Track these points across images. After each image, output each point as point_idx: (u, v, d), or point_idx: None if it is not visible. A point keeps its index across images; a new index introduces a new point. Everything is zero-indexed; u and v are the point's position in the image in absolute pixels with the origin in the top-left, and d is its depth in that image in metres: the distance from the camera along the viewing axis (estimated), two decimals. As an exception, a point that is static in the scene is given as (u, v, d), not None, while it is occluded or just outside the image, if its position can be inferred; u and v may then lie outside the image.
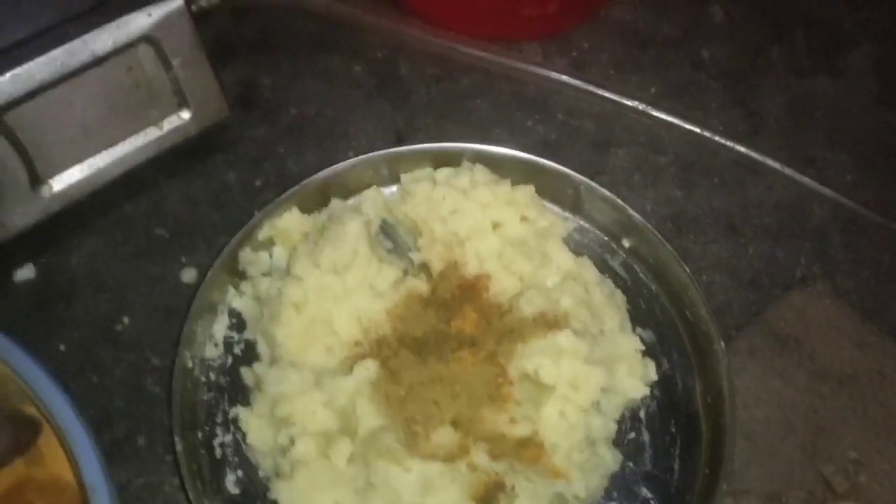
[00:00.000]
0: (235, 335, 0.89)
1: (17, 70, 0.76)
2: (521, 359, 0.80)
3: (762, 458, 0.86)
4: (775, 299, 0.96)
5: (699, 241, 1.00)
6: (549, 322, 0.82)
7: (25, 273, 0.91)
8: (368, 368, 0.80)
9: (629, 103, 1.09)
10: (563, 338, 0.80)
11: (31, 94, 0.78)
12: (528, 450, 0.77)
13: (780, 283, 0.97)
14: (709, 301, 0.90)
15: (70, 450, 0.60)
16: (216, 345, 0.88)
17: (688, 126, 1.08)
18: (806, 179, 1.04)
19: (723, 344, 0.86)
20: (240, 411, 0.81)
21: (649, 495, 0.84)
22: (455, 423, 0.78)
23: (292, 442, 0.76)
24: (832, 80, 1.15)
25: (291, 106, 1.05)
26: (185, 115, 0.89)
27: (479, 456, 0.75)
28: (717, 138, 1.07)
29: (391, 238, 0.94)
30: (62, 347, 0.87)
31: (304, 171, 0.95)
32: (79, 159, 0.85)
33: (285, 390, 0.78)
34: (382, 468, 0.72)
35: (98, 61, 0.80)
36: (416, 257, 0.91)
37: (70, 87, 0.80)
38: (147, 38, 0.82)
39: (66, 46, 0.78)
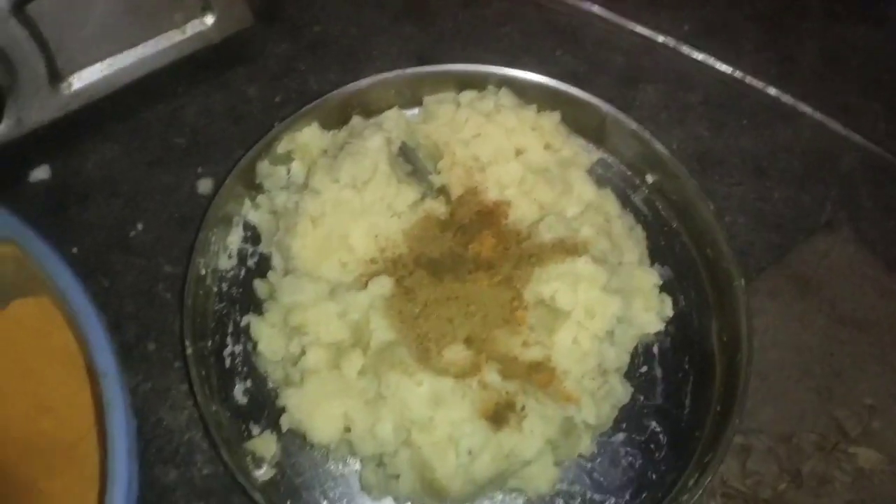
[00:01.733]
0: (250, 247, 0.88)
1: (41, -41, 0.75)
2: (538, 283, 0.79)
3: (775, 400, 0.85)
4: (798, 243, 0.94)
5: (724, 182, 0.98)
6: (568, 248, 0.81)
7: (40, 174, 0.90)
8: (383, 285, 0.79)
9: (661, 39, 1.06)
10: (582, 264, 0.79)
11: (55, -15, 0.77)
12: (539, 373, 0.76)
13: (805, 228, 0.96)
14: (732, 245, 0.88)
15: (84, 335, 0.59)
16: (230, 256, 0.87)
17: (719, 66, 1.05)
18: (837, 125, 1.02)
19: (743, 282, 0.84)
20: (251, 319, 0.80)
21: (658, 429, 0.83)
22: (468, 342, 0.77)
23: (304, 351, 0.76)
24: (870, 28, 1.12)
25: (315, 23, 1.03)
26: (209, 20, 0.88)
27: (491, 375, 0.74)
28: (748, 80, 1.04)
29: (410, 161, 0.92)
30: (74, 250, 0.86)
31: (325, 90, 0.93)
32: (99, 58, 0.84)
33: (299, 299, 0.77)
34: (393, 380, 0.72)
35: (122, -44, 0.79)
36: (435, 180, 0.89)
37: (93, -19, 0.79)
38: (174, -64, 0.80)
39: (91, -62, 0.77)
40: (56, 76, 0.81)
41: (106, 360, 0.58)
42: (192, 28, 0.87)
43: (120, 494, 0.54)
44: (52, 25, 0.79)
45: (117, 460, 0.55)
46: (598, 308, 0.78)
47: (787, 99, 1.04)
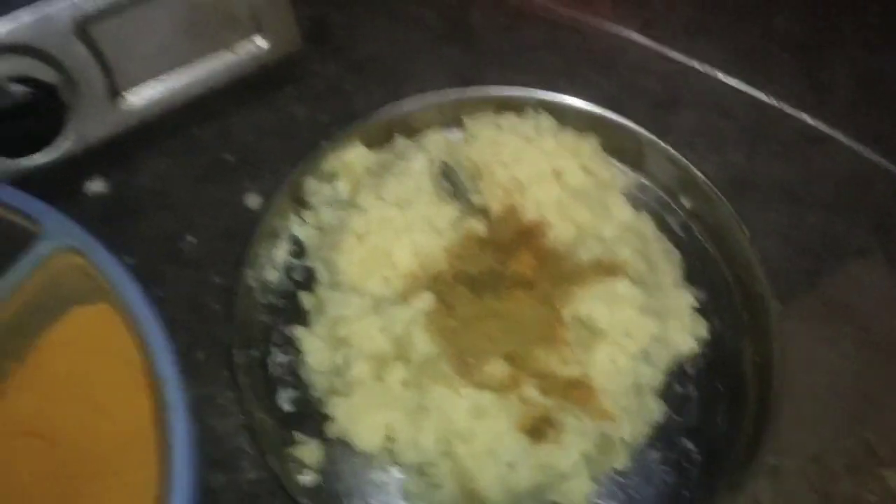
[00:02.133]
0: (295, 261, 0.91)
1: (107, -19, 0.78)
2: (576, 302, 0.81)
3: (806, 422, 0.87)
4: (831, 269, 0.96)
5: (757, 207, 1.00)
6: (606, 269, 0.83)
7: (96, 186, 0.93)
8: (424, 300, 0.81)
9: (697, 66, 1.09)
10: (620, 284, 0.81)
11: (116, 8, 0.80)
12: (577, 390, 0.78)
13: (837, 254, 0.97)
14: (764, 265, 0.90)
15: (145, 341, 0.62)
16: (276, 269, 0.90)
17: (754, 93, 1.07)
18: (870, 153, 1.04)
19: (777, 305, 0.86)
20: (299, 331, 0.83)
21: (692, 447, 0.84)
22: (507, 358, 0.79)
23: (349, 362, 0.78)
24: (905, 57, 1.14)
25: (361, 45, 1.06)
26: (260, 42, 0.91)
27: (530, 390, 0.76)
28: (782, 107, 1.06)
29: (451, 180, 0.95)
30: (128, 260, 0.89)
31: (369, 109, 0.97)
32: (156, 77, 0.87)
33: (345, 313, 0.80)
34: (436, 392, 0.74)
35: (183, -20, 0.82)
36: (475, 200, 0.92)
37: (153, 3, 0.82)
38: (231, -39, 0.84)
39: (154, -37, 0.80)
40: (115, 93, 0.85)
41: (167, 366, 0.61)
42: (245, 50, 0.91)
43: (181, 496, 0.57)
44: (113, 45, 0.82)
45: (178, 463, 0.57)
46: (635, 328, 0.80)
47: (821, 126, 1.05)
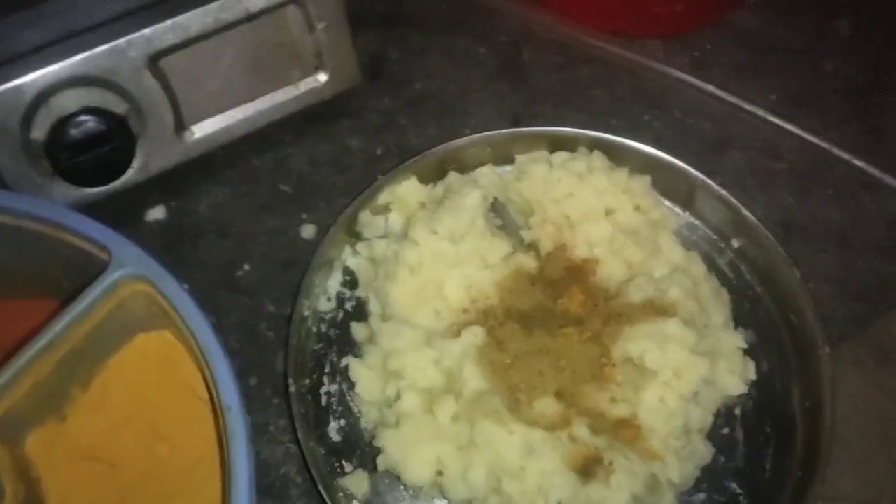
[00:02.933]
0: (348, 292, 0.92)
1: (177, 18, 0.81)
2: (627, 341, 0.81)
3: (855, 468, 0.86)
4: (882, 313, 0.95)
5: (808, 250, 1.00)
6: (657, 309, 0.84)
7: (157, 214, 0.96)
8: (476, 334, 0.82)
9: (748, 107, 1.09)
10: (672, 325, 0.81)
11: (186, 43, 0.83)
12: (626, 430, 0.79)
13: (889, 298, 0.97)
14: (817, 312, 0.89)
15: (210, 368, 0.63)
16: (329, 299, 0.92)
17: (805, 135, 1.07)
18: (923, 199, 1.03)
19: (828, 350, 0.85)
20: (351, 362, 0.84)
21: (739, 490, 0.84)
22: (557, 395, 0.79)
23: (399, 395, 0.79)
24: (957, 103, 1.13)
25: (416, 81, 1.08)
26: (322, 77, 0.93)
27: (580, 429, 0.77)
28: (834, 150, 1.06)
29: (501, 216, 0.96)
30: (186, 287, 0.91)
31: (422, 144, 0.99)
32: (221, 110, 0.90)
33: (398, 345, 0.81)
34: (487, 428, 0.75)
35: (249, 18, 0.85)
36: (526, 236, 0.93)
37: (221, 40, 0.85)
38: (296, 1, 0.86)
39: (222, 1, 0.83)
40: (181, 125, 0.88)
41: (230, 393, 0.62)
42: (306, 85, 0.93)
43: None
44: (182, 79, 0.85)
45: (240, 489, 0.58)
46: (686, 370, 0.80)
47: (872, 170, 1.05)
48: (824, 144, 1.07)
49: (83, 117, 0.79)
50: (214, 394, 0.63)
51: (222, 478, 0.64)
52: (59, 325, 0.65)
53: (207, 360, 0.64)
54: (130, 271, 0.68)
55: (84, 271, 0.69)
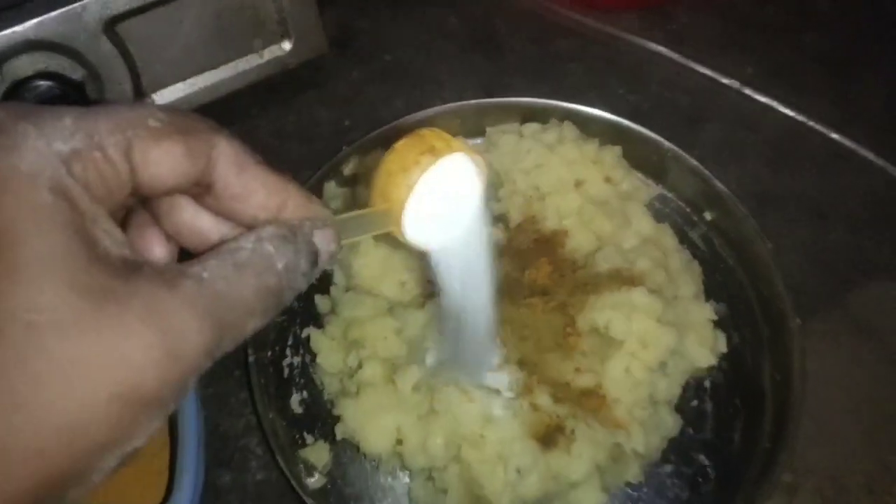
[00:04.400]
0: (312, 264, 0.91)
1: (135, -19, 0.79)
2: (592, 311, 0.80)
3: (825, 441, 0.85)
4: (855, 286, 0.94)
5: (782, 222, 0.99)
6: (624, 279, 0.82)
7: (120, 185, 0.94)
8: (440, 305, 0.81)
9: (725, 81, 1.08)
10: (638, 294, 0.80)
11: (144, 8, 0.81)
12: (590, 399, 0.78)
13: (861, 271, 0.95)
14: (786, 281, 0.88)
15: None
16: (294, 271, 0.90)
17: (782, 109, 1.06)
18: (898, 172, 1.02)
19: (798, 321, 0.84)
20: (312, 332, 0.83)
21: (707, 462, 0.83)
22: (520, 364, 0.78)
23: (360, 364, 0.78)
24: (936, 77, 1.12)
25: (385, 52, 1.07)
26: (286, 46, 0.92)
27: (542, 397, 0.76)
28: (810, 123, 1.05)
29: (472, 188, 0.95)
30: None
31: (392, 116, 0.97)
32: (182, 78, 0.88)
33: (359, 314, 0.80)
34: (446, 395, 0.74)
35: (210, -18, 0.83)
36: (494, 207, 0.91)
37: (180, 5, 0.84)
38: (259, -35, 0.85)
39: (182, -36, 0.81)
40: (140, 93, 0.86)
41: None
42: (271, 53, 0.92)
43: (186, 489, 0.57)
44: (140, 45, 0.83)
45: (186, 457, 0.58)
46: (652, 339, 0.79)
47: (849, 144, 1.04)
48: (800, 117, 1.06)
49: (37, 82, 0.78)
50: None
51: (172, 449, 0.63)
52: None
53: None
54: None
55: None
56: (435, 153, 0.48)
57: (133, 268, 0.32)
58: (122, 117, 0.34)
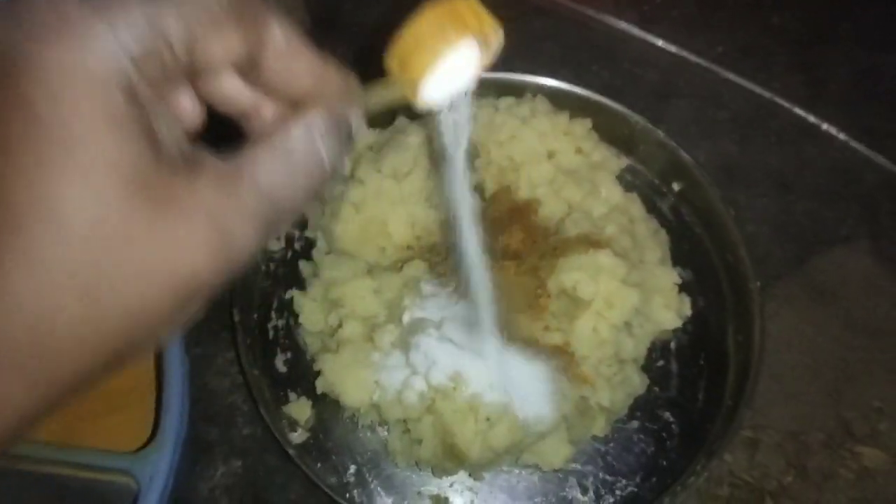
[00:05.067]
0: (297, 232, 0.95)
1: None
2: (561, 273, 0.84)
3: (786, 399, 0.89)
4: (817, 254, 0.98)
5: (749, 194, 1.03)
6: (592, 242, 0.86)
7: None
8: (417, 268, 0.85)
9: (694, 59, 1.12)
10: (604, 256, 0.83)
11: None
12: (558, 356, 0.81)
13: (824, 240, 1.00)
14: (752, 250, 0.92)
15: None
16: (278, 238, 0.94)
17: (749, 85, 1.10)
18: (861, 147, 1.06)
19: (758, 283, 0.88)
20: (295, 294, 0.87)
21: (672, 419, 0.87)
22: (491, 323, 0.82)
23: (340, 323, 0.82)
24: (899, 57, 1.17)
25: (367, 31, 1.10)
26: (271, 21, 0.95)
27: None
28: (777, 100, 1.09)
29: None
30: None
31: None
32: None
33: (339, 275, 0.83)
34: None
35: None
36: (471, 178, 0.95)
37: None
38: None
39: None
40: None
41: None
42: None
43: (172, 422, 0.61)
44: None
45: (172, 394, 0.61)
46: (618, 299, 0.83)
47: (814, 119, 1.08)
48: (767, 94, 1.10)
49: None
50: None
51: (157, 394, 0.67)
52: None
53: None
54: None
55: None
56: (466, 29, 0.46)
57: (193, 166, 0.34)
58: (186, 4, 0.35)
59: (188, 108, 0.40)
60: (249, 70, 0.40)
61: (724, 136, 1.07)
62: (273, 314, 0.90)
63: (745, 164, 1.05)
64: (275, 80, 0.41)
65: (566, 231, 0.89)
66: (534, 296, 0.84)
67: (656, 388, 0.88)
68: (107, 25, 0.32)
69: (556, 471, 0.83)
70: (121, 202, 0.32)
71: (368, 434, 0.84)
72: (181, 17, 0.34)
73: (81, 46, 0.32)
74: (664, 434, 0.86)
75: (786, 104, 1.09)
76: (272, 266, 0.93)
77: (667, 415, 0.87)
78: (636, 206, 0.95)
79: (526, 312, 0.83)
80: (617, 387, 0.83)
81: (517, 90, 1.00)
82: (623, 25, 1.13)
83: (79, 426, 0.70)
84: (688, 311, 0.90)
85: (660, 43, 1.12)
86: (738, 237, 0.92)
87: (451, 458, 0.77)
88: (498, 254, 0.88)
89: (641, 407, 0.87)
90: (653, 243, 0.92)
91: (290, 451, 0.79)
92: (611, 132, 1.00)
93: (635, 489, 0.83)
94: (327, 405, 0.85)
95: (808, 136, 1.07)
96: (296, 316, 0.87)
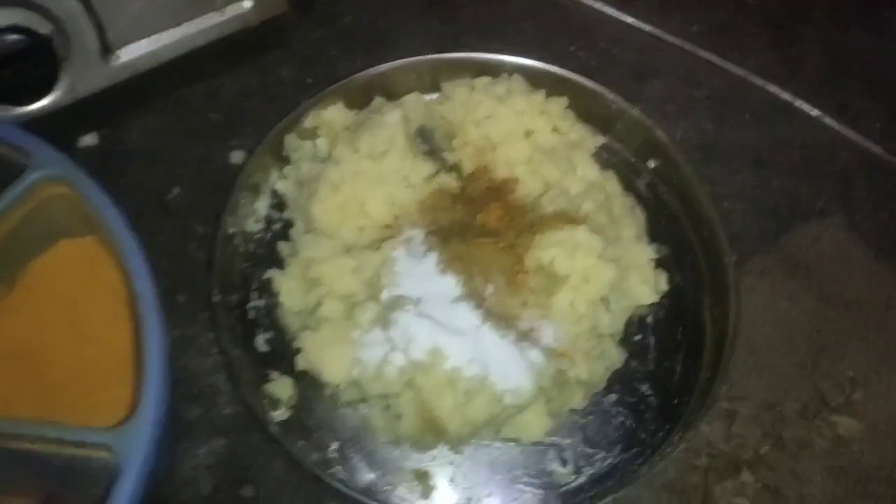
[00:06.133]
0: (276, 214, 0.95)
1: (97, -63, 0.83)
2: (538, 249, 0.85)
3: (762, 371, 0.90)
4: (792, 229, 1.00)
5: (725, 171, 1.04)
6: (568, 219, 0.87)
7: (88, 140, 0.98)
8: (395, 247, 0.86)
9: (670, 38, 1.13)
10: (580, 232, 0.84)
11: (108, -36, 0.85)
12: (535, 331, 0.82)
13: (799, 215, 1.01)
14: (728, 226, 0.93)
15: (125, 263, 0.66)
16: (257, 221, 0.94)
17: (725, 64, 1.12)
18: (835, 123, 1.08)
19: (733, 258, 0.89)
20: (274, 274, 0.87)
21: (649, 392, 0.88)
22: (470, 298, 0.83)
23: (320, 302, 0.82)
24: (872, 35, 1.18)
25: (346, 13, 1.11)
26: (247, 3, 0.96)
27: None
28: (751, 78, 1.11)
29: (428, 142, 0.99)
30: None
31: (352, 74, 1.01)
32: (146, 34, 0.92)
33: (318, 254, 0.84)
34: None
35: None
36: (449, 157, 0.96)
37: (144, -38, 0.87)
38: (218, -78, 0.88)
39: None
40: (106, 49, 0.89)
41: (144, 283, 0.65)
42: (231, 11, 0.95)
43: (152, 396, 0.61)
44: (105, 1, 0.87)
45: (151, 368, 0.61)
46: (594, 275, 0.84)
47: (788, 97, 1.10)
48: (742, 73, 1.11)
49: (5, 36, 0.81)
50: (129, 285, 0.66)
51: (139, 368, 0.67)
52: (-24, 225, 0.68)
53: (124, 254, 0.66)
54: (50, 172, 0.71)
55: (5, 177, 0.72)
56: None
57: None
58: None
59: None
60: None
61: (700, 115, 1.08)
62: (253, 294, 0.90)
63: (721, 142, 1.06)
64: None
65: (543, 208, 0.89)
66: (512, 272, 0.85)
67: (634, 362, 0.89)
68: None
69: (535, 443, 0.83)
70: None
71: (350, 411, 0.85)
72: None
73: None
74: (642, 406, 0.87)
75: (761, 82, 1.10)
76: (251, 247, 0.93)
77: (644, 387, 0.88)
78: (612, 184, 0.96)
79: (504, 288, 0.84)
80: (595, 360, 0.84)
81: (494, 70, 1.00)
82: (599, 5, 1.14)
83: (58, 406, 0.70)
84: (664, 287, 0.91)
85: (636, 23, 1.13)
86: (714, 213, 0.93)
87: (431, 432, 0.78)
88: (476, 231, 0.88)
89: (619, 380, 0.88)
90: (629, 220, 0.93)
91: (272, 430, 0.79)
92: (587, 111, 1.01)
93: (614, 461, 0.84)
94: (308, 383, 0.85)
95: (783, 113, 1.09)
96: (275, 296, 0.87)
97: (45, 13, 0.83)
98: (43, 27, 0.84)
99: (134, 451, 0.61)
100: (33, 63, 0.84)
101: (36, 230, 0.73)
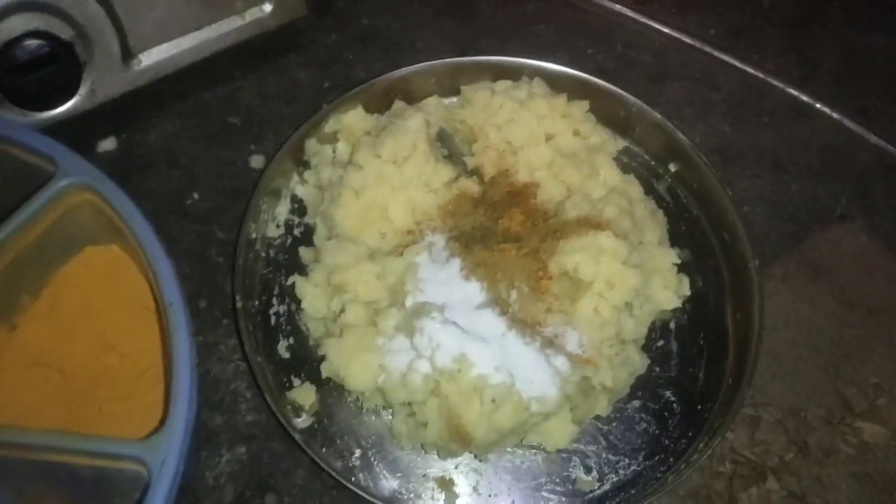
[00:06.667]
0: (296, 219, 0.95)
1: (119, -56, 0.82)
2: (562, 255, 0.84)
3: (786, 376, 0.90)
4: (812, 233, 0.99)
5: (744, 175, 1.03)
6: (592, 224, 0.87)
7: (108, 144, 0.98)
8: (418, 252, 0.85)
9: (688, 41, 1.13)
10: (604, 238, 0.84)
11: (130, -31, 0.84)
12: (560, 338, 0.82)
13: (819, 219, 1.01)
14: (748, 230, 0.93)
15: (153, 270, 0.66)
16: (278, 226, 0.94)
17: (743, 66, 1.11)
18: (854, 125, 1.07)
19: (757, 262, 0.89)
20: (297, 280, 0.86)
21: (673, 399, 0.88)
22: (495, 304, 0.82)
23: (343, 308, 0.82)
24: (890, 37, 1.17)
25: (363, 17, 1.11)
26: (267, 7, 0.95)
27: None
28: (770, 80, 1.10)
29: (447, 145, 0.99)
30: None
31: (370, 77, 1.00)
32: (167, 38, 0.91)
33: (341, 261, 0.84)
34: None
35: (193, -55, 0.86)
36: (469, 162, 0.95)
37: (166, -33, 0.86)
38: (239, -72, 0.88)
39: (164, -71, 0.84)
40: (127, 53, 0.89)
41: (172, 291, 0.65)
42: (251, 15, 0.95)
43: (182, 408, 0.61)
44: (126, 6, 0.86)
45: (181, 379, 0.61)
46: (618, 280, 0.84)
47: (806, 99, 1.09)
48: (760, 75, 1.10)
49: (28, 41, 0.81)
50: (157, 293, 0.65)
51: (166, 382, 0.67)
52: (4, 232, 0.67)
53: (151, 261, 0.66)
54: (76, 180, 0.70)
55: (33, 184, 0.71)
56: None
57: None
58: None
59: None
60: None
61: (718, 117, 1.07)
62: (275, 300, 0.90)
63: (739, 145, 1.06)
64: None
65: (566, 213, 0.89)
66: (535, 278, 0.85)
67: (657, 368, 0.89)
68: None
69: (559, 451, 0.83)
70: None
71: (373, 418, 0.84)
72: None
73: None
74: (666, 413, 0.87)
75: (778, 84, 1.10)
76: (272, 252, 0.93)
77: (668, 394, 0.88)
78: (634, 188, 0.95)
79: (528, 294, 0.84)
80: (618, 367, 0.84)
81: (513, 73, 1.00)
82: (617, 8, 1.13)
83: (82, 415, 0.70)
84: (687, 291, 0.91)
85: (653, 25, 1.13)
86: (736, 217, 0.92)
87: (456, 440, 0.78)
88: (498, 236, 0.88)
89: (643, 387, 0.88)
90: (651, 224, 0.93)
91: (295, 437, 0.79)
92: (607, 114, 1.00)
93: (638, 468, 0.84)
94: (331, 390, 0.85)
95: (801, 115, 1.08)
96: (298, 302, 0.87)
97: (67, 19, 0.83)
98: (65, 32, 0.83)
99: (164, 463, 0.60)
100: (55, 68, 0.84)
101: (62, 238, 0.73)
